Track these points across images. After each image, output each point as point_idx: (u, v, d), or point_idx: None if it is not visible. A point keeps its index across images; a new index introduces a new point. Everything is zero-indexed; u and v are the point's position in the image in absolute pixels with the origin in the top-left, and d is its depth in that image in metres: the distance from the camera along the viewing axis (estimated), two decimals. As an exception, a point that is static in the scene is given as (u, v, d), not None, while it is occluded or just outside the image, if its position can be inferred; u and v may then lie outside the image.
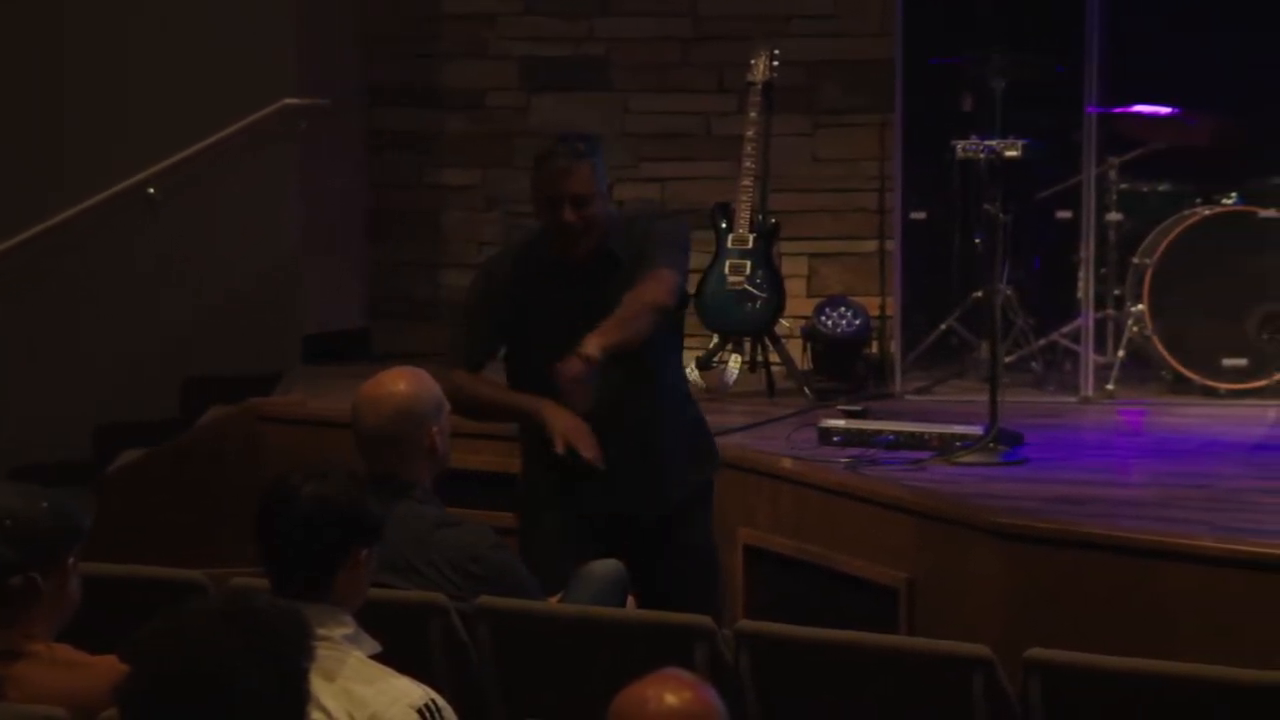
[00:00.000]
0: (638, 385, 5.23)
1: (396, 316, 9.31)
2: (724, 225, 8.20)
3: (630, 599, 5.04)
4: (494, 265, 5.47)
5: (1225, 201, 8.20)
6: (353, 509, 3.75)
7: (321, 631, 3.35)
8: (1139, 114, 8.41)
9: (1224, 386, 8.03)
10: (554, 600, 4.86)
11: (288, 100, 8.80)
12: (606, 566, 5.05)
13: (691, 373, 8.10)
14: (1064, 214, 8.40)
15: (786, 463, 6.80)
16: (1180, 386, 8.10)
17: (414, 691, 3.55)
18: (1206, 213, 8.15)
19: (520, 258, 5.33)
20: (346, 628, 3.65)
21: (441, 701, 3.56)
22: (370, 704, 3.51)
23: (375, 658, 3.66)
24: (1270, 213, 8.02)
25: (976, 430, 6.90)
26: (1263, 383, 8.01)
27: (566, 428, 5.08)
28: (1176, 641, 5.41)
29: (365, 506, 3.78)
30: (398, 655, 3.72)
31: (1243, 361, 8.04)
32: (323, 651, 3.13)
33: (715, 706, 2.77)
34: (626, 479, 5.25)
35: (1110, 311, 8.34)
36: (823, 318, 8.47)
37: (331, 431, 6.79)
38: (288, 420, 7.75)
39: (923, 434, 6.98)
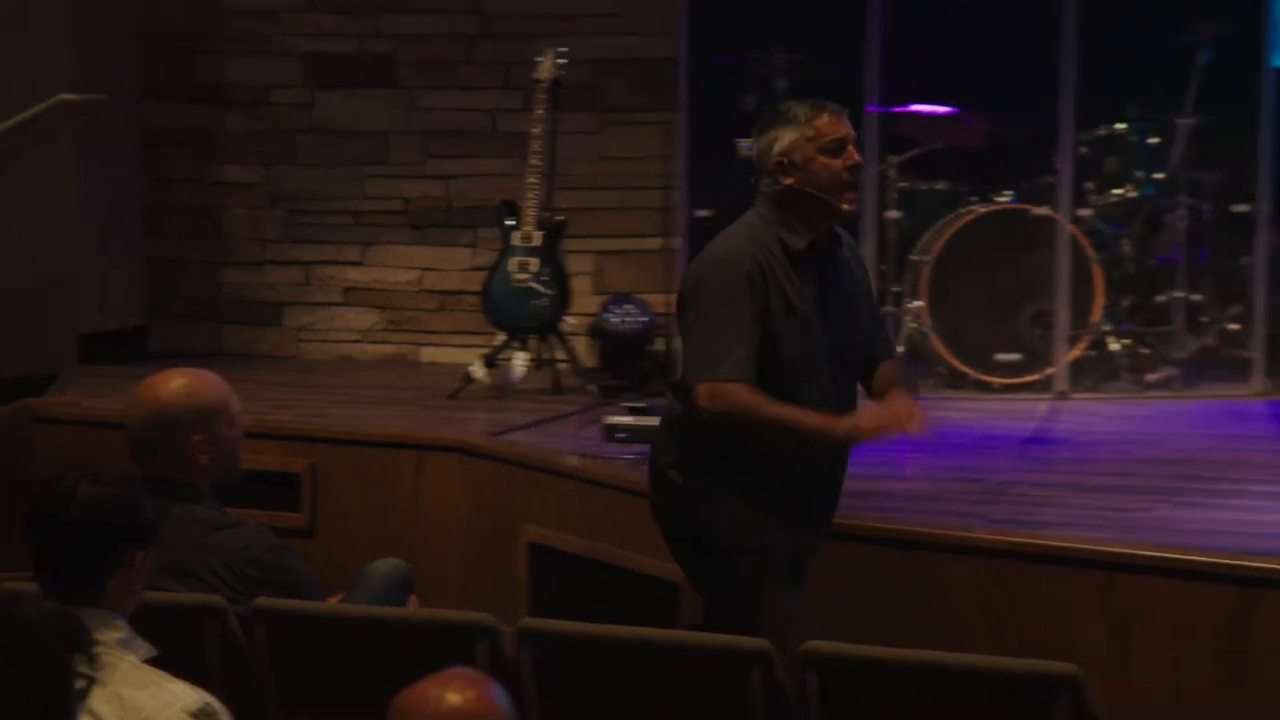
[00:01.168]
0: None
1: (174, 315, 9.21)
2: (510, 222, 8.18)
3: (413, 598, 5.02)
4: (745, 264, 4.76)
5: (999, 200, 8.34)
6: (126, 510, 3.68)
7: (94, 635, 3.30)
8: (917, 114, 8.53)
9: (998, 381, 8.17)
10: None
11: (64, 96, 8.65)
12: (389, 565, 5.02)
13: (477, 370, 8.09)
14: (845, 212, 8.47)
15: (572, 460, 6.81)
16: (956, 381, 8.24)
17: (188, 695, 3.50)
18: (981, 211, 8.28)
19: (760, 255, 4.78)
20: (119, 631, 3.59)
21: (217, 705, 3.52)
22: (143, 709, 3.45)
23: (150, 662, 3.61)
24: (1042, 211, 8.17)
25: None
26: (1034, 377, 8.16)
27: (888, 416, 4.88)
28: (952, 632, 5.50)
29: (139, 508, 3.71)
30: (173, 659, 3.66)
31: (1016, 356, 8.19)
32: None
33: (498, 705, 2.76)
34: (830, 509, 5.09)
35: (889, 308, 8.45)
36: (608, 315, 8.50)
37: (106, 432, 6.69)
38: (62, 421, 7.62)
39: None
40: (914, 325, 8.25)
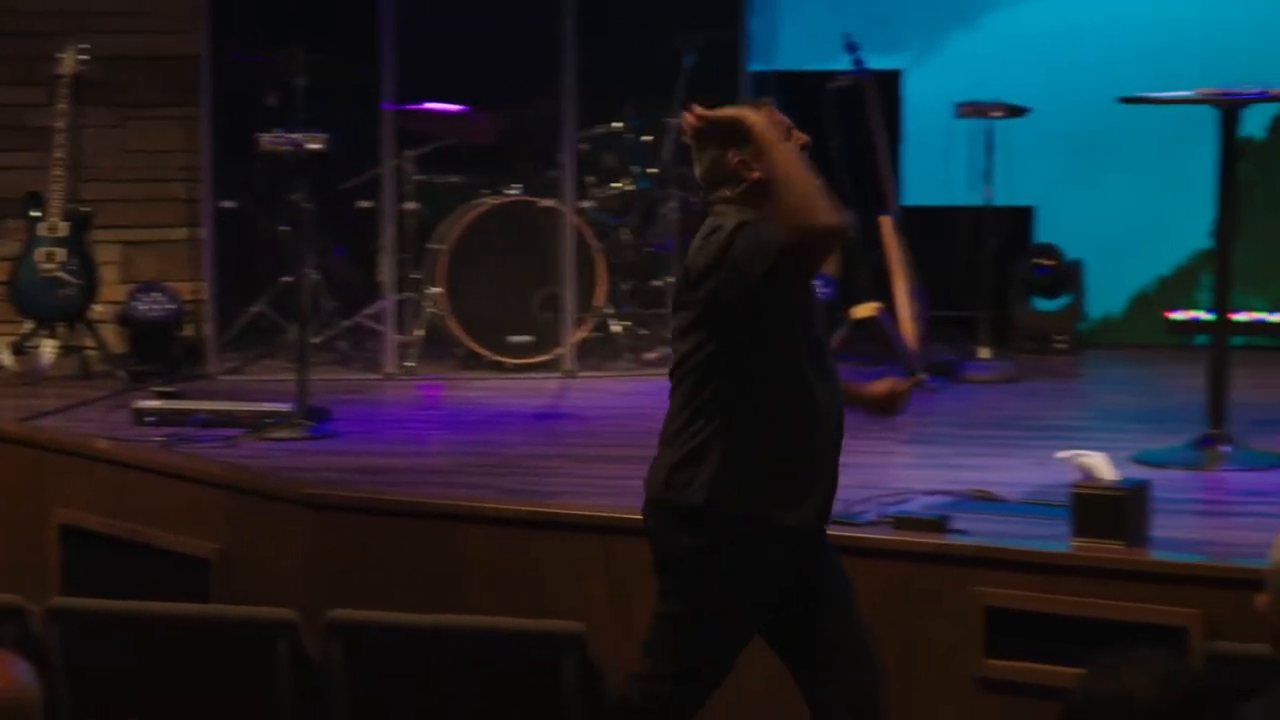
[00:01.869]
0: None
1: None
2: (36, 214, 7.95)
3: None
4: None
5: (509, 192, 8.40)
6: None
7: None
8: (431, 111, 8.54)
9: (511, 361, 8.24)
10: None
11: None
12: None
13: (5, 357, 7.83)
14: (365, 203, 8.45)
15: (101, 443, 6.61)
16: (473, 362, 8.28)
17: None
18: (493, 202, 8.34)
19: None
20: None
21: None
22: None
23: None
24: (549, 203, 8.26)
25: (286, 407, 6.89)
26: (545, 357, 8.25)
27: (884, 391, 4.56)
28: (470, 596, 5.52)
29: None
30: None
31: (528, 338, 8.27)
32: None
33: (23, 682, 2.66)
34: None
35: (410, 294, 8.43)
36: (136, 303, 8.32)
37: None
38: None
39: (235, 412, 6.93)
40: (433, 310, 8.25)
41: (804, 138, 4.37)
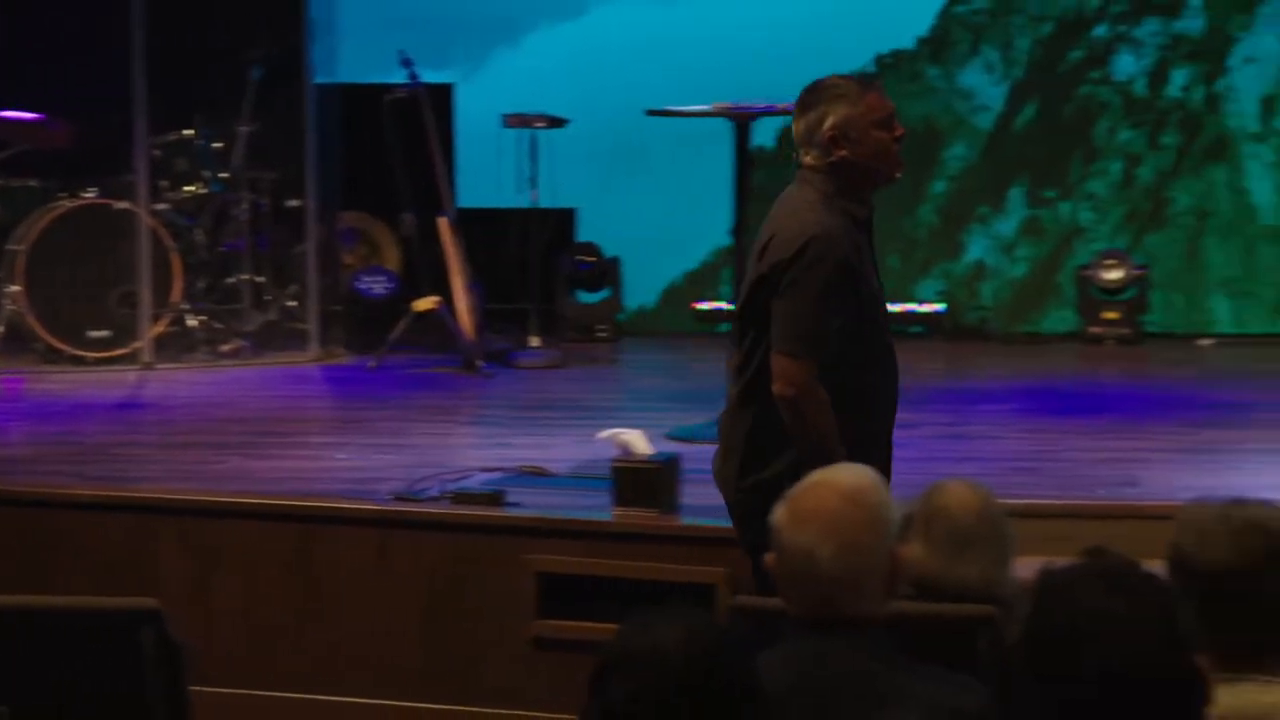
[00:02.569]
0: None
1: None
2: None
3: None
4: (843, 239, 4.15)
5: (86, 195, 8.17)
6: None
7: None
8: (5, 119, 8.26)
9: (91, 355, 8.02)
10: None
11: None
12: None
13: None
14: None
15: None
16: (54, 356, 8.02)
17: None
18: (70, 205, 8.10)
19: (842, 227, 4.17)
20: None
21: None
22: None
23: None
24: (124, 205, 8.06)
25: None
26: (124, 351, 8.06)
27: None
28: (59, 579, 5.38)
29: None
30: None
31: (106, 333, 8.06)
32: None
33: None
34: None
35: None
36: None
37: None
38: None
39: None
40: (13, 308, 7.97)
41: (902, 130, 4.22)
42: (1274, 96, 8.60)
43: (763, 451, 4.16)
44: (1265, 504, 2.96)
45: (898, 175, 4.27)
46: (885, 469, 4.16)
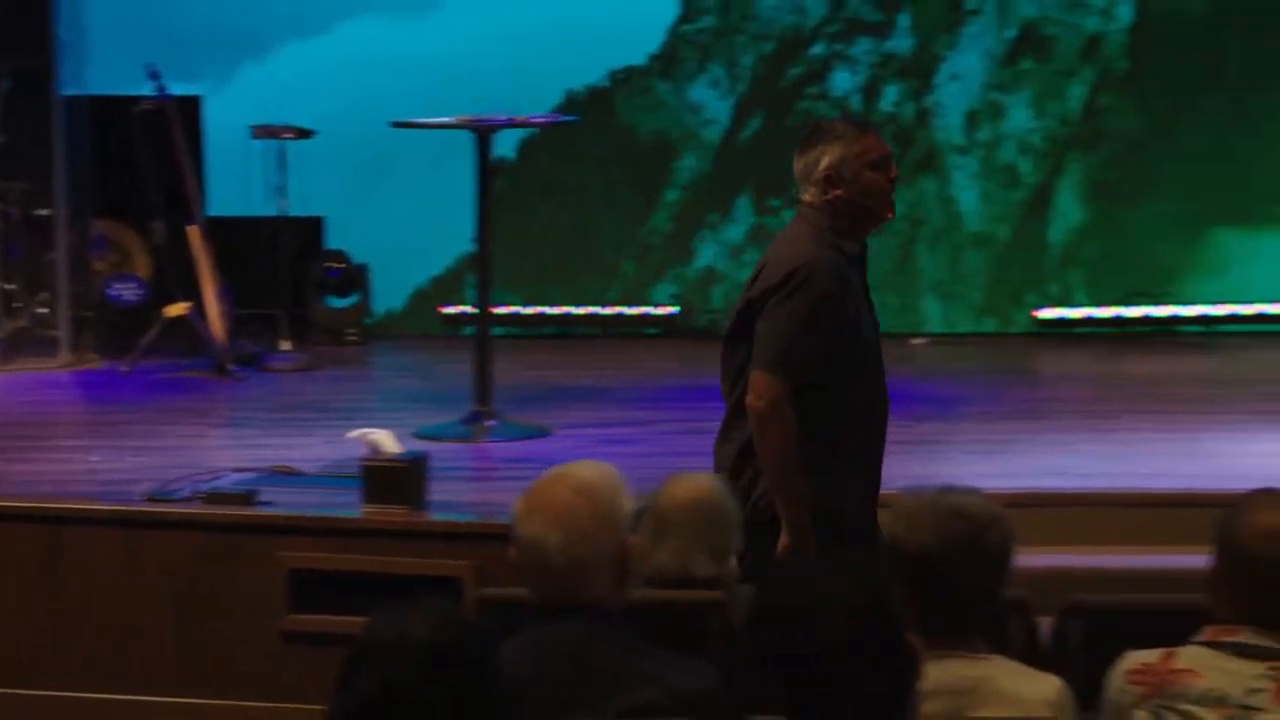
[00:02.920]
0: None
1: None
2: None
3: None
4: (829, 271, 4.19)
5: None
6: None
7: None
8: None
9: None
10: None
11: None
12: None
13: None
14: None
15: None
16: None
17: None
18: None
19: (830, 260, 4.21)
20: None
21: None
22: None
23: None
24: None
25: None
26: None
27: None
28: None
29: None
30: None
31: None
32: None
33: None
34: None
35: None
36: None
37: None
38: None
39: None
40: None
41: (896, 172, 4.30)
42: (977, 111, 8.88)
43: (752, 471, 4.22)
44: (970, 492, 3.08)
45: (890, 216, 4.38)
46: (874, 480, 4.30)
